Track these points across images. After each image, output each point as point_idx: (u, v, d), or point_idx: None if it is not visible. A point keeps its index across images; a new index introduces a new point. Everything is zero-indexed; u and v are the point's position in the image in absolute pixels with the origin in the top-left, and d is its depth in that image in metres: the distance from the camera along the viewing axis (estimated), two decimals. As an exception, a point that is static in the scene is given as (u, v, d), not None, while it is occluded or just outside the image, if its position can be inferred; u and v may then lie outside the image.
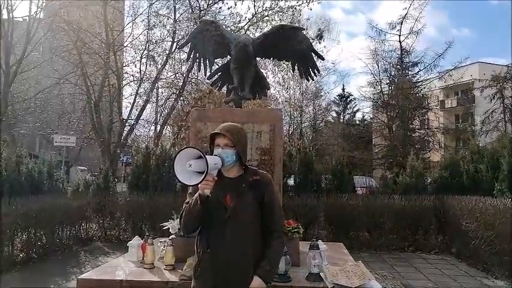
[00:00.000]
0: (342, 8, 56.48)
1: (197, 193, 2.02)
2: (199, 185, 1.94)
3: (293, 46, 4.69)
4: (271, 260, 2.12)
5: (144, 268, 3.89)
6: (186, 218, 2.10)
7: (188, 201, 2.12)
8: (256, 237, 2.12)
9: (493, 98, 21.84)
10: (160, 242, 4.27)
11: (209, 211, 2.04)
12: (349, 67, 67.80)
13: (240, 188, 2.11)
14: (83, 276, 3.82)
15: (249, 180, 2.14)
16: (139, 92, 14.92)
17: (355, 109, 32.23)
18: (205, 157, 1.87)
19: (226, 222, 2.06)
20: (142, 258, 4.01)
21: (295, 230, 4.24)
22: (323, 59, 5.31)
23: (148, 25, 14.70)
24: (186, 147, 1.97)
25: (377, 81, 19.12)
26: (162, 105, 16.26)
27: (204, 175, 1.86)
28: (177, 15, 14.63)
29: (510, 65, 21.85)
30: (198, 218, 2.06)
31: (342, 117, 32.29)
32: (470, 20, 61.36)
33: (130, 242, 4.32)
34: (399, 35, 17.87)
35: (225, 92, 5.44)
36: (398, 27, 17.86)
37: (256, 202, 2.12)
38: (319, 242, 3.96)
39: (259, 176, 2.18)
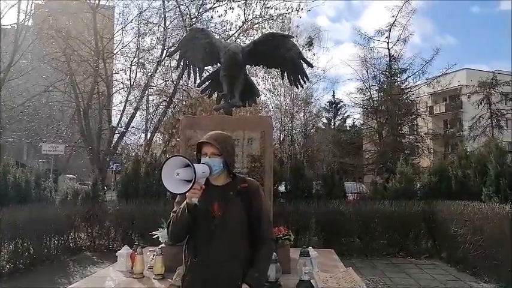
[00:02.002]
0: (327, 16, 57.24)
1: (185, 202, 2.01)
2: (187, 194, 1.93)
3: (282, 54, 4.71)
4: (259, 268, 2.11)
5: (134, 278, 3.83)
6: (173, 226, 2.09)
7: (175, 210, 2.11)
8: (245, 245, 2.11)
9: (480, 103, 22.23)
10: (150, 251, 4.23)
11: (197, 219, 2.04)
12: (337, 74, 68.45)
13: (228, 195, 2.11)
14: (72, 286, 3.77)
15: (236, 188, 2.14)
16: (129, 99, 14.87)
17: (345, 115, 32.54)
18: (193, 165, 1.86)
19: (214, 231, 2.05)
20: (132, 268, 3.96)
21: (286, 237, 4.23)
22: (312, 66, 5.35)
23: (139, 33, 14.70)
24: (173, 156, 1.97)
25: (366, 88, 19.33)
26: (152, 113, 16.20)
27: (191, 183, 1.85)
28: (167, 23, 14.65)
29: (496, 71, 22.31)
30: (185, 226, 2.05)
31: (332, 124, 32.53)
32: (453, 27, 62.54)
33: (119, 251, 4.26)
34: (387, 42, 18.15)
35: (216, 99, 5.45)
36: (386, 35, 18.14)
37: (244, 210, 2.12)
38: (310, 248, 3.96)
39: (247, 184, 2.18)
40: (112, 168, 19.23)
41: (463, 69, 26.38)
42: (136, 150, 14.72)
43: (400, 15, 17.91)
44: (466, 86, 23.60)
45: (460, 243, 6.68)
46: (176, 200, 2.17)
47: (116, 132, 15.09)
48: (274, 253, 3.47)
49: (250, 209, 2.13)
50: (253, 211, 2.14)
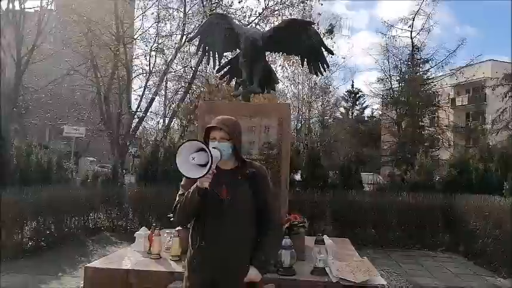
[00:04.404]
0: (343, 4, 56.03)
1: (194, 185, 2.01)
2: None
3: (303, 41, 4.66)
4: (266, 251, 2.16)
5: (151, 258, 3.93)
6: (181, 210, 2.09)
7: (182, 193, 2.12)
8: (252, 229, 2.13)
9: (505, 96, 21.55)
10: (167, 233, 4.31)
11: (205, 203, 2.04)
12: (355, 63, 67.19)
13: (236, 180, 2.12)
14: (91, 264, 3.89)
15: (245, 173, 2.15)
16: (148, 84, 15.00)
17: (364, 105, 32.08)
18: (209, 150, 1.88)
19: (222, 214, 2.06)
20: (149, 249, 4.05)
21: (301, 224, 4.24)
22: (333, 54, 5.27)
23: (158, 18, 14.72)
24: (188, 140, 1.98)
25: (387, 78, 18.99)
26: (170, 98, 16.33)
27: (208, 168, 1.86)
28: (187, 8, 14.62)
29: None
30: (194, 210, 2.06)
31: (350, 114, 32.13)
32: (473, 18, 60.02)
33: (138, 232, 4.37)
34: (411, 31, 17.72)
35: (234, 85, 5.44)
36: (409, 23, 17.71)
37: (252, 194, 2.13)
38: (325, 237, 3.97)
39: (255, 169, 2.20)
40: (131, 152, 19.54)
41: (488, 60, 25.50)
42: (154, 135, 14.91)
43: (424, 4, 17.42)
44: (491, 78, 22.87)
45: (478, 238, 6.57)
46: (182, 183, 2.19)
47: (135, 116, 15.29)
48: (289, 240, 3.51)
49: (258, 194, 2.15)
50: (261, 196, 2.16)
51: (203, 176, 1.89)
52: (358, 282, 3.29)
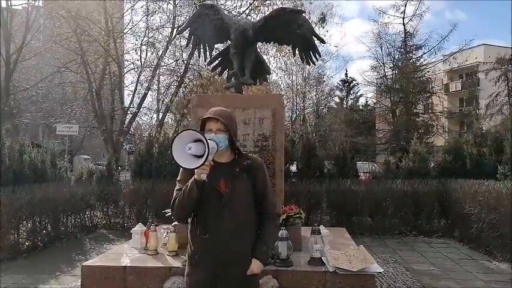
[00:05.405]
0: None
1: (192, 179, 1.99)
2: (196, 170, 1.92)
3: (294, 30, 4.62)
4: (266, 242, 2.17)
5: (148, 254, 3.92)
6: (180, 205, 2.07)
7: (179, 189, 2.10)
8: (252, 220, 2.14)
9: (498, 80, 21.60)
10: (164, 228, 4.31)
11: (203, 197, 2.03)
12: (349, 52, 66.80)
13: (234, 172, 2.11)
14: (88, 263, 3.87)
15: (243, 164, 2.14)
16: (140, 79, 14.90)
17: (358, 94, 32.09)
18: (206, 140, 1.83)
19: (221, 207, 2.05)
20: (146, 245, 4.05)
21: (297, 215, 4.24)
22: (324, 42, 5.23)
23: (147, 11, 14.57)
24: (185, 130, 1.93)
25: (380, 65, 18.95)
26: (163, 93, 16.24)
27: (205, 158, 1.83)
28: (177, 0, 14.45)
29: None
30: (193, 204, 2.05)
31: (345, 103, 32.13)
32: (464, 2, 59.60)
33: (134, 229, 4.36)
34: (403, 18, 17.64)
35: (226, 77, 5.40)
36: (401, 10, 17.63)
37: (250, 185, 2.13)
38: (321, 227, 3.98)
39: (251, 160, 2.19)
40: (125, 148, 19.46)
41: (480, 45, 25.51)
42: (148, 131, 14.84)
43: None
44: (484, 62, 22.89)
45: (473, 222, 6.61)
46: (178, 179, 2.16)
47: (128, 112, 15.19)
48: (285, 231, 3.51)
49: (256, 185, 2.15)
50: (258, 187, 2.16)
51: (200, 166, 1.86)
52: (355, 270, 3.31)
